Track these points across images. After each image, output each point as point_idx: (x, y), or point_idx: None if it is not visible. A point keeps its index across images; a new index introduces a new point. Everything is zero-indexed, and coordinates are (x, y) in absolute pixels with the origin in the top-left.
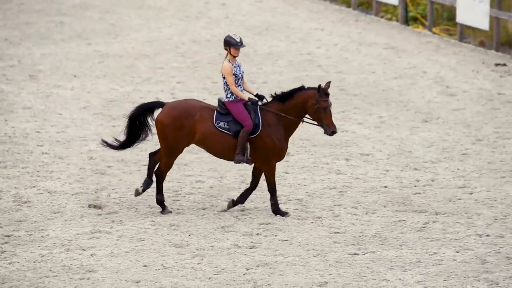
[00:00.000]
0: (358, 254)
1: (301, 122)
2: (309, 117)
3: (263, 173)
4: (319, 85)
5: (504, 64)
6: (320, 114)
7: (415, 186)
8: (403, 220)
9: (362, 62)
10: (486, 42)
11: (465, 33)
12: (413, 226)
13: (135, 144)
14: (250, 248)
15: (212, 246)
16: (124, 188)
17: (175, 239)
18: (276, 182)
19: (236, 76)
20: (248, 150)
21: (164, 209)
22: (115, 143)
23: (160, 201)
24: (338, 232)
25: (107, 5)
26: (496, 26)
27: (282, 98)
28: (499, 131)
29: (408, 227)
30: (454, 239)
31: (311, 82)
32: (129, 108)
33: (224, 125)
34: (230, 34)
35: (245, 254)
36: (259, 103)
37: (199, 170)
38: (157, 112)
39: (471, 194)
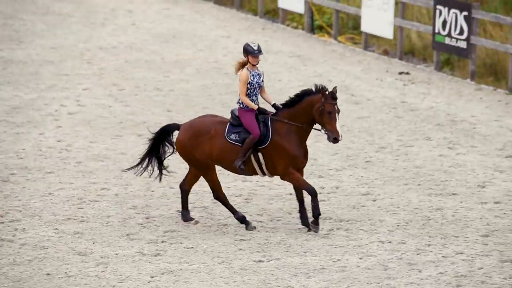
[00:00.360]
0: (263, 261)
1: (310, 129)
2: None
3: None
4: (323, 87)
5: (408, 73)
6: (324, 118)
7: (320, 193)
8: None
9: (269, 70)
10: (390, 50)
11: (370, 42)
12: (317, 233)
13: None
14: (155, 256)
15: (116, 254)
16: (27, 195)
17: (79, 247)
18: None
19: (251, 85)
20: (262, 159)
21: (247, 224)
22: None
23: (241, 218)
24: (244, 239)
25: (11, 11)
26: (399, 35)
27: (290, 104)
28: (402, 139)
29: (312, 234)
30: (358, 246)
31: (218, 90)
32: (34, 115)
33: (235, 137)
34: (249, 42)
35: (150, 262)
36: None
37: (105, 178)
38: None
39: (374, 201)
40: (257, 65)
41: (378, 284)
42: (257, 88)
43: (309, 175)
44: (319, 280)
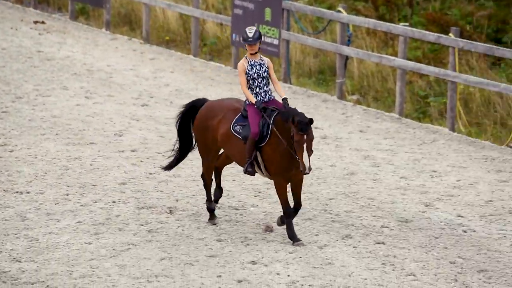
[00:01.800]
0: None
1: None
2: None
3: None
4: (293, 117)
5: (43, 22)
6: (294, 146)
7: None
8: None
9: None
10: (24, 0)
11: None
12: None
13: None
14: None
15: None
16: None
17: None
18: None
19: (250, 76)
20: (259, 159)
21: (211, 218)
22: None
23: (209, 208)
24: None
25: None
26: None
27: (283, 116)
28: (39, 88)
29: None
30: None
31: None
32: None
33: (239, 129)
34: (246, 28)
35: None
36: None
37: None
38: None
39: (11, 152)
40: (258, 54)
41: (16, 235)
42: (259, 80)
43: None
44: None
